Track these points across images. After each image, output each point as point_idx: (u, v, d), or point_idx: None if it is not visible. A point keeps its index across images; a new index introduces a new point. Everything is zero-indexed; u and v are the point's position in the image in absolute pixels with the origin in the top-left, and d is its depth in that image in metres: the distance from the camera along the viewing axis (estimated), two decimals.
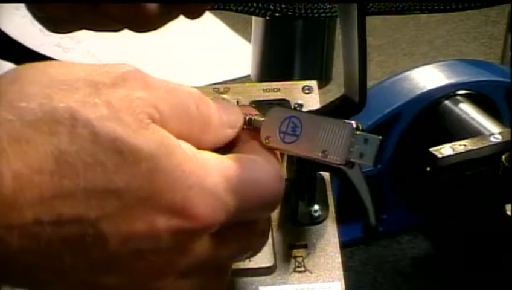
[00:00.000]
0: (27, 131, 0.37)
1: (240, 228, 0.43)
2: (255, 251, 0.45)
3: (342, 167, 0.44)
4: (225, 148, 0.44)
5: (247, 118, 0.46)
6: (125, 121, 0.38)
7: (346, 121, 0.43)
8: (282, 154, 0.47)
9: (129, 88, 0.39)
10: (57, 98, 0.38)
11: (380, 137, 0.42)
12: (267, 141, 0.45)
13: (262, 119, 0.45)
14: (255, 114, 0.46)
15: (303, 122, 0.44)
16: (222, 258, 0.43)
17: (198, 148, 0.42)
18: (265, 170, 0.43)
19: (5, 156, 0.36)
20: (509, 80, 0.76)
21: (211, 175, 0.40)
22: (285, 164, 0.53)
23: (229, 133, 0.44)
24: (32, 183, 0.36)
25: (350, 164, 0.43)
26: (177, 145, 0.40)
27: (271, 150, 0.45)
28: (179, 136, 0.40)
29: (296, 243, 0.52)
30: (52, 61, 0.41)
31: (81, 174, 0.37)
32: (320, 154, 0.43)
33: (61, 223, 0.37)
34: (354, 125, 0.43)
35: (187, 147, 0.40)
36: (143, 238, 0.39)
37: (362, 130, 0.43)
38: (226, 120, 0.44)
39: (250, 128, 0.46)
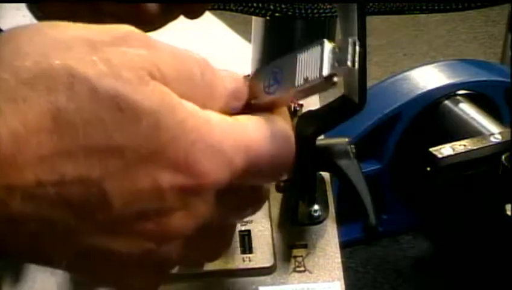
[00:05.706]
0: (23, 89, 0.36)
1: (243, 191, 0.42)
2: (252, 213, 0.44)
3: (324, 84, 0.41)
4: None
5: None
6: (125, 77, 0.37)
7: (320, 40, 0.42)
8: None
9: (129, 46, 0.38)
10: (53, 55, 0.37)
11: (351, 38, 0.40)
12: (253, 101, 0.43)
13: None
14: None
15: (282, 67, 0.43)
16: (225, 219, 0.42)
17: None
18: (275, 130, 0.42)
19: (2, 116, 0.35)
20: (509, 80, 0.76)
21: (215, 131, 0.39)
22: None
23: (235, 105, 0.43)
24: (30, 143, 0.35)
25: (331, 77, 0.41)
26: (179, 102, 0.38)
27: (260, 107, 0.43)
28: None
29: (296, 243, 0.52)
30: (49, 22, 0.39)
31: (80, 132, 0.36)
32: (302, 82, 0.42)
33: (64, 184, 0.36)
34: (326, 41, 0.41)
35: (189, 105, 0.39)
36: (147, 197, 0.37)
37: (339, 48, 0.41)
38: (231, 92, 0.42)
39: None
